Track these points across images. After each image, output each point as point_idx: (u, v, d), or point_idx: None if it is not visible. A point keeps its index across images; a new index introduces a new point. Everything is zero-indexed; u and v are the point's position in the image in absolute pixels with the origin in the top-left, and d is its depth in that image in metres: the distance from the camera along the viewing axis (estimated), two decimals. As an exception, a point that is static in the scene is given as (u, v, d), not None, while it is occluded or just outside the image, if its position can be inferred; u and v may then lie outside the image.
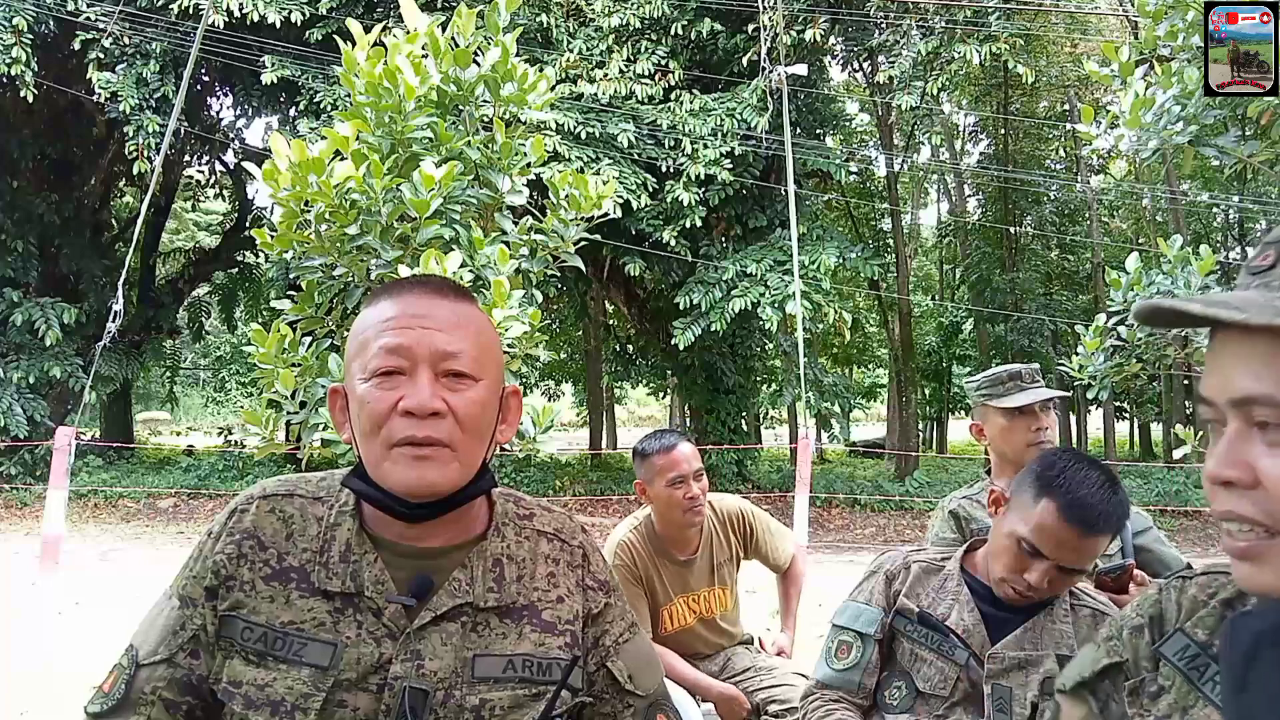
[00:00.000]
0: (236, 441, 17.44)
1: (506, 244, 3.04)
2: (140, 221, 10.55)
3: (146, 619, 1.02)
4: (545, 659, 1.01)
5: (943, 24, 12.12)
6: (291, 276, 3.22)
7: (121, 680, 0.97)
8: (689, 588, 2.53)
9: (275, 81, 11.68)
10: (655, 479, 2.41)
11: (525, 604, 1.03)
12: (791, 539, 2.85)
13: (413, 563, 1.00)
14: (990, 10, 11.88)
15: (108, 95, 11.68)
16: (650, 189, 11.62)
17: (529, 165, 3.18)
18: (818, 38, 11.98)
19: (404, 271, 2.77)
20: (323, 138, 2.84)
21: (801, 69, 11.56)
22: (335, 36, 4.10)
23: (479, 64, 3.09)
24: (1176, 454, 3.80)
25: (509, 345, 2.86)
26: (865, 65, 15.91)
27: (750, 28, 12.10)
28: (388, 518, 1.00)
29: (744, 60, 12.22)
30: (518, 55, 3.16)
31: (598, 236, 4.83)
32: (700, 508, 2.43)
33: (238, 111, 15.10)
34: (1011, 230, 19.14)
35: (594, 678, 1.07)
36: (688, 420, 16.29)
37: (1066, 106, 19.11)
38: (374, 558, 0.99)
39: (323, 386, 2.92)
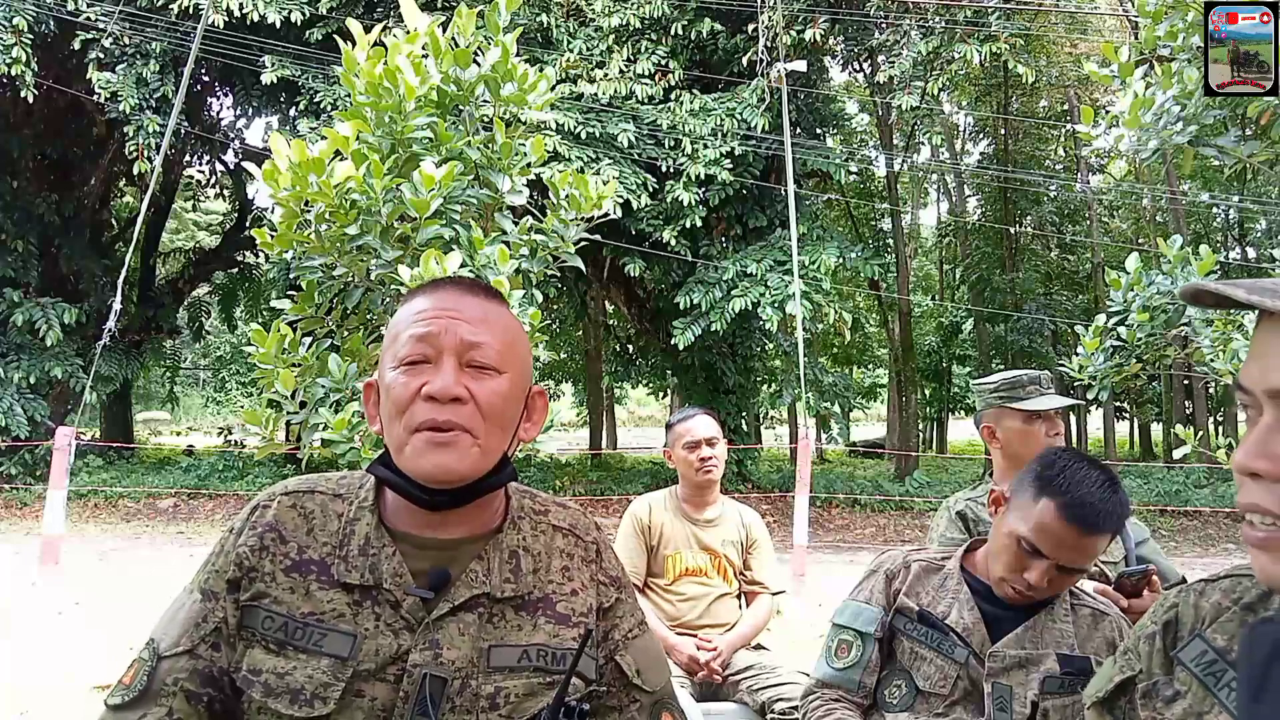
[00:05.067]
0: (236, 441, 17.44)
1: (506, 244, 3.04)
2: (140, 221, 10.57)
3: (167, 613, 1.03)
4: (560, 649, 1.03)
5: (943, 24, 12.11)
6: (291, 276, 3.22)
7: (143, 673, 0.98)
8: (702, 544, 2.79)
9: (275, 81, 11.67)
10: (675, 444, 2.82)
11: (540, 596, 1.05)
12: (779, 584, 2.90)
13: (430, 555, 1.02)
14: (990, 10, 11.87)
15: (108, 95, 11.67)
16: (650, 189, 11.61)
17: (529, 165, 3.18)
18: (818, 38, 11.97)
19: (404, 271, 2.77)
20: (323, 138, 2.84)
21: (801, 65, 11.55)
22: (335, 36, 4.10)
23: (479, 64, 3.10)
24: (1176, 454, 3.80)
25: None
26: (865, 65, 15.92)
27: (750, 28, 12.09)
28: (406, 511, 1.02)
29: (744, 60, 12.22)
30: (518, 55, 3.16)
31: (598, 236, 4.84)
32: (710, 468, 2.76)
33: (238, 111, 15.10)
34: (1011, 230, 19.13)
35: (602, 670, 1.09)
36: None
37: (1066, 106, 19.11)
38: (392, 551, 1.01)
39: (323, 386, 2.92)
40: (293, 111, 12.48)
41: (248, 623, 0.99)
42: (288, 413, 2.95)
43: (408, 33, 3.04)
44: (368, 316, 3.10)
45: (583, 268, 3.43)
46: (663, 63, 12.09)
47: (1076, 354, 3.77)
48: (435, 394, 0.97)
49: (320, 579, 1.00)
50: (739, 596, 2.84)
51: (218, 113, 15.99)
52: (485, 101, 3.21)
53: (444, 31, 3.10)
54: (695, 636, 2.66)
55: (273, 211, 2.96)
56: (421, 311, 1.01)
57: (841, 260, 12.43)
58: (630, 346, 19.58)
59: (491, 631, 1.01)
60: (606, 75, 11.64)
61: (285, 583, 1.00)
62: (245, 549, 1.01)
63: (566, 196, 3.17)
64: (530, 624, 1.03)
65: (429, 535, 1.03)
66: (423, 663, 0.97)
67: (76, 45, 11.72)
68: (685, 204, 11.50)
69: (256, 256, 17.06)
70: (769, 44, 11.63)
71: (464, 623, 1.00)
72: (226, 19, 11.25)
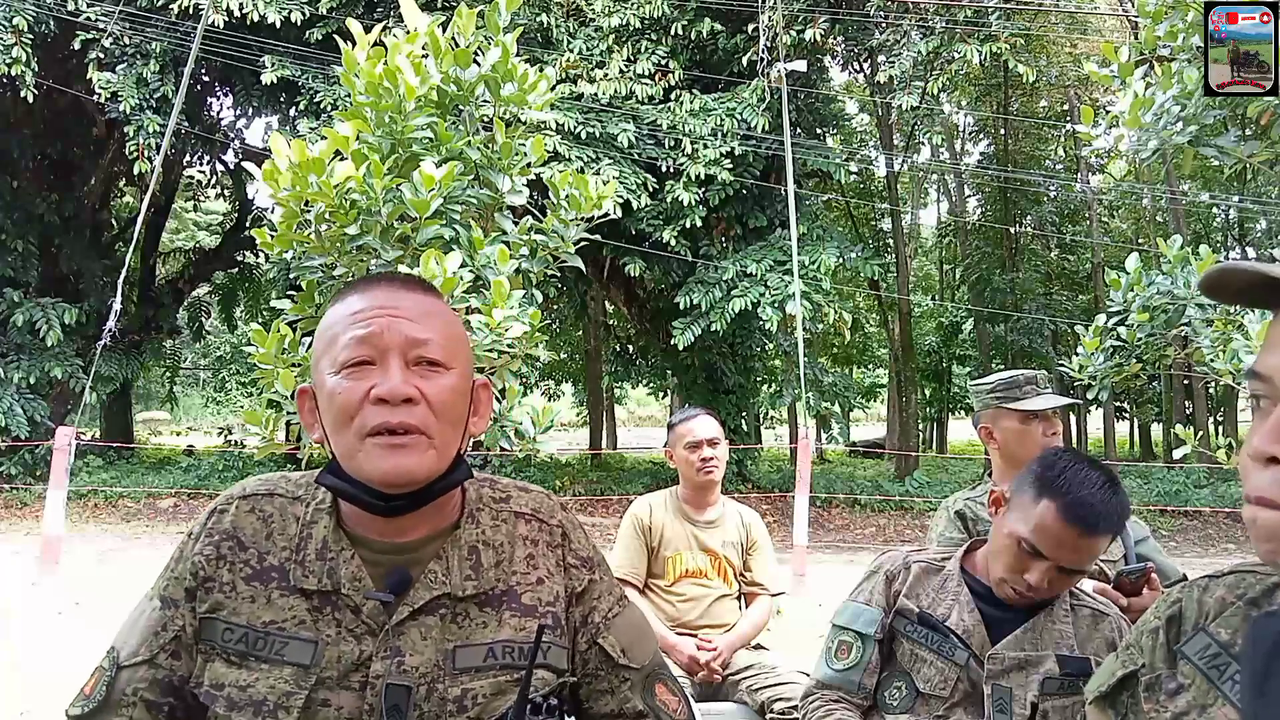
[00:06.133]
0: (236, 441, 17.44)
1: (506, 244, 3.04)
2: (140, 221, 10.56)
3: (128, 621, 1.02)
4: (526, 643, 1.00)
5: (943, 24, 12.11)
6: (291, 276, 3.22)
7: (103, 682, 0.97)
8: (702, 545, 2.78)
9: (275, 81, 11.67)
10: (676, 444, 2.82)
11: (504, 589, 1.02)
12: (778, 585, 2.91)
13: (389, 558, 0.99)
14: (990, 10, 11.87)
15: (108, 95, 11.67)
16: (650, 189, 11.61)
17: (529, 165, 3.18)
18: (818, 38, 11.97)
19: (404, 272, 2.76)
20: (323, 138, 2.84)
21: (801, 65, 11.55)
22: (335, 36, 4.10)
23: (479, 64, 3.09)
24: (1176, 454, 3.80)
25: (509, 345, 2.86)
26: (865, 65, 15.91)
27: (750, 28, 12.09)
28: (363, 512, 0.99)
29: (744, 60, 12.22)
30: (518, 55, 3.16)
31: (598, 236, 4.83)
32: (711, 469, 2.76)
33: (238, 111, 15.09)
34: (1011, 230, 19.13)
35: (586, 656, 1.06)
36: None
37: (1066, 106, 19.10)
38: (351, 554, 0.98)
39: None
40: (293, 111, 12.48)
41: (206, 635, 0.97)
42: (288, 413, 2.95)
43: (408, 33, 3.04)
44: (368, 317, 3.08)
45: (583, 268, 3.43)
46: (663, 63, 12.09)
47: (1076, 354, 3.76)
48: (386, 396, 0.93)
49: (281, 585, 0.97)
50: (739, 598, 2.84)
51: (218, 113, 15.99)
52: (485, 101, 3.21)
53: (444, 31, 3.10)
54: (695, 637, 2.66)
55: (273, 211, 2.96)
56: (359, 312, 0.97)
57: (841, 260, 12.43)
58: (630, 346, 19.57)
59: (456, 632, 0.98)
60: (606, 75, 11.64)
61: (246, 592, 0.97)
62: (201, 558, 0.99)
63: (566, 196, 3.17)
64: (495, 620, 1.00)
65: (388, 538, 1.00)
66: (384, 672, 0.94)
67: (76, 45, 11.72)
68: (685, 204, 11.50)
69: (256, 256, 17.05)
70: (769, 44, 11.63)
71: (426, 626, 0.97)
72: (226, 19, 11.25)
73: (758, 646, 2.78)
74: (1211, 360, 3.47)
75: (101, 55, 11.76)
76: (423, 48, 3.02)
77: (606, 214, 3.26)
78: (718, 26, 12.15)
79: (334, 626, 0.96)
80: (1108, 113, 3.47)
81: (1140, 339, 3.56)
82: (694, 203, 11.55)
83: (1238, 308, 3.24)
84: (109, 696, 0.95)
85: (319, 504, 1.02)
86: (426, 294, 1.02)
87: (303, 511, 1.02)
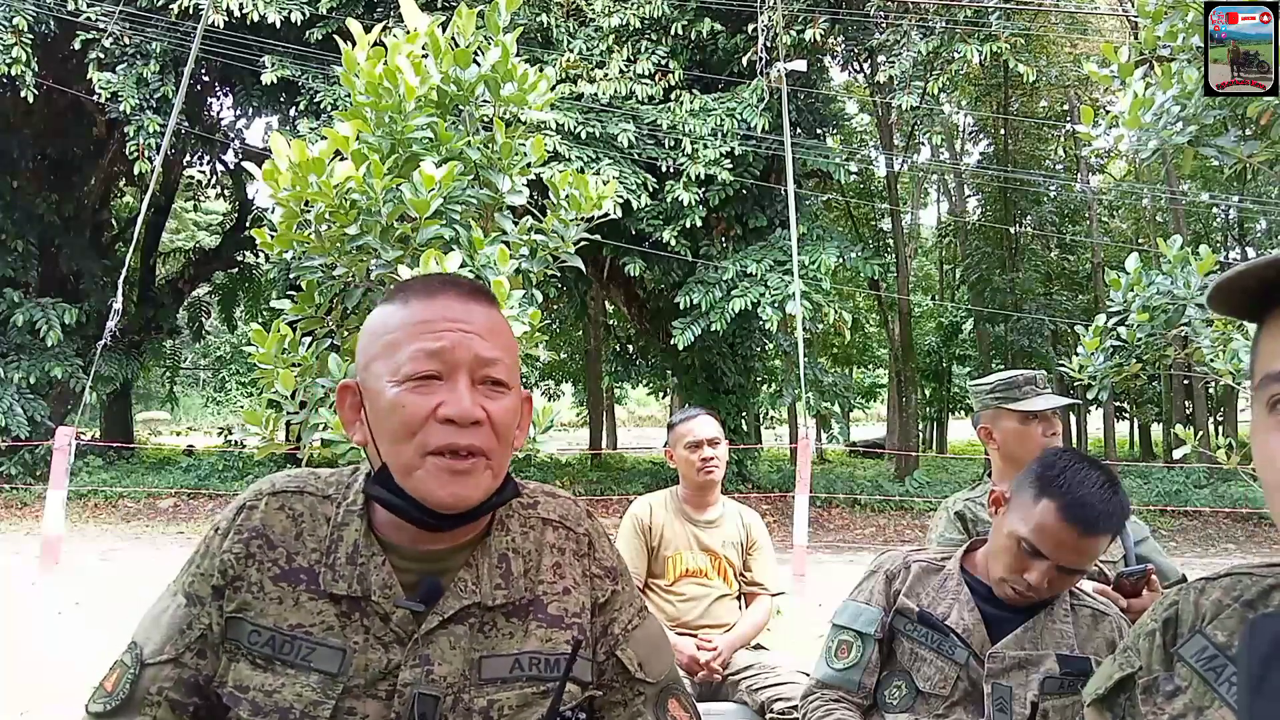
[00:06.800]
0: (236, 441, 17.42)
1: (506, 244, 3.04)
2: (140, 221, 10.57)
3: (149, 616, 0.99)
4: (553, 655, 0.99)
5: (943, 24, 12.11)
6: (291, 276, 3.22)
7: (126, 679, 0.95)
8: (703, 545, 2.78)
9: (275, 81, 11.68)
10: (677, 444, 2.82)
11: (531, 599, 1.01)
12: (779, 585, 2.91)
13: (419, 565, 0.98)
14: (990, 10, 11.87)
15: (108, 95, 11.68)
16: (650, 189, 11.61)
17: (529, 165, 3.18)
18: (818, 38, 11.98)
19: (404, 271, 2.76)
20: (323, 138, 2.84)
21: (801, 65, 11.56)
22: (335, 36, 4.10)
23: (479, 64, 3.09)
24: (1176, 454, 3.80)
25: (509, 345, 2.85)
26: (865, 65, 15.91)
27: (750, 28, 12.10)
28: (399, 520, 0.97)
29: (744, 60, 12.22)
30: (518, 55, 3.16)
31: (598, 236, 4.84)
32: (712, 469, 2.76)
33: (238, 111, 15.10)
34: (1011, 230, 19.13)
35: (603, 667, 1.05)
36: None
37: (1066, 106, 19.11)
38: (382, 560, 0.97)
39: (323, 386, 2.92)
40: (293, 111, 12.48)
41: (232, 635, 0.95)
42: (288, 413, 2.95)
43: (408, 33, 3.04)
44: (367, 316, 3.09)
45: (583, 268, 3.42)
46: (663, 63, 12.10)
47: (1076, 354, 3.76)
48: (455, 418, 0.91)
49: (310, 588, 0.96)
50: (739, 598, 2.84)
51: (218, 113, 16.00)
52: (485, 101, 3.21)
53: (444, 31, 3.10)
54: (695, 637, 2.66)
55: (273, 211, 2.96)
56: (428, 322, 0.95)
57: (841, 260, 12.44)
58: (630, 346, 19.58)
59: (483, 641, 0.97)
60: (606, 75, 11.64)
61: (274, 592, 0.96)
62: (230, 556, 0.97)
63: (566, 196, 3.17)
64: (522, 630, 0.99)
65: (419, 545, 0.98)
66: (413, 681, 0.93)
67: (77, 45, 11.73)
68: (685, 204, 11.50)
69: (256, 256, 17.06)
70: (769, 44, 11.63)
71: (454, 635, 0.96)
72: (226, 19, 11.25)
73: (758, 646, 2.78)
74: (1211, 360, 3.47)
75: (101, 55, 11.77)
76: (423, 48, 3.02)
77: (606, 214, 3.26)
78: (718, 26, 12.15)
79: (362, 633, 0.94)
80: (1108, 113, 3.47)
81: (1140, 339, 3.56)
82: (694, 203, 11.55)
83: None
84: (133, 694, 0.93)
85: (350, 505, 1.00)
86: (491, 306, 1.00)
87: (333, 512, 1.00)
